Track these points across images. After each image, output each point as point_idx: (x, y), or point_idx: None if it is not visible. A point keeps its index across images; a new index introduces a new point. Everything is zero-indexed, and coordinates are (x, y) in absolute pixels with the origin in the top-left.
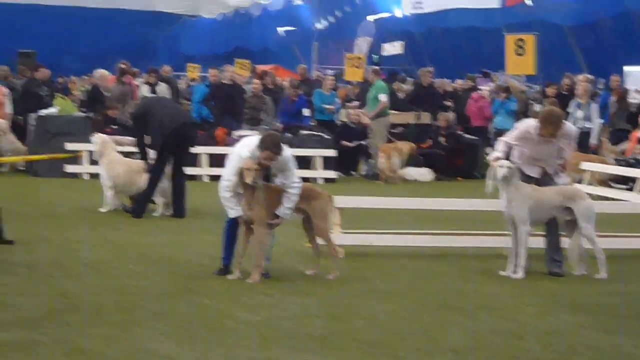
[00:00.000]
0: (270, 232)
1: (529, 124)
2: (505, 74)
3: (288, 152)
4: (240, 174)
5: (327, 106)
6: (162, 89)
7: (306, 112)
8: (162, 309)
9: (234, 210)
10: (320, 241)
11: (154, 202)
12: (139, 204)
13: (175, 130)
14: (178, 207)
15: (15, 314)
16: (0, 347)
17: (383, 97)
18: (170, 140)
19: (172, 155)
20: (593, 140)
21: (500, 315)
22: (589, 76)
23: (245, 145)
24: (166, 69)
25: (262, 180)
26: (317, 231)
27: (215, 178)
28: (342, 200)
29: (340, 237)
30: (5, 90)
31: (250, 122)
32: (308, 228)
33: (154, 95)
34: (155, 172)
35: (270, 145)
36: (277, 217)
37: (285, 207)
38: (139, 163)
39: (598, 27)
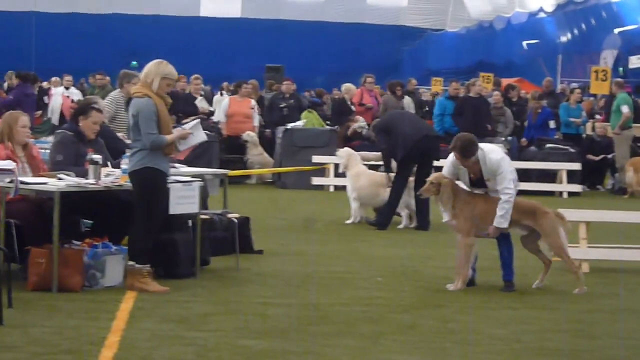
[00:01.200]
0: (474, 242)
1: None
2: None
3: (498, 155)
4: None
5: (574, 119)
6: (407, 102)
7: (552, 124)
8: (409, 321)
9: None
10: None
11: (398, 215)
12: (383, 216)
13: (417, 142)
14: (422, 220)
15: (268, 323)
16: (255, 356)
17: (625, 109)
18: (412, 153)
19: (415, 167)
20: None
21: None
22: None
23: None
24: (413, 82)
25: (447, 194)
26: (553, 249)
27: None
28: (588, 215)
29: (587, 252)
30: (253, 103)
31: (488, 134)
32: (527, 243)
33: (398, 109)
34: (398, 184)
35: (455, 148)
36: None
37: (499, 216)
38: (382, 175)
39: None
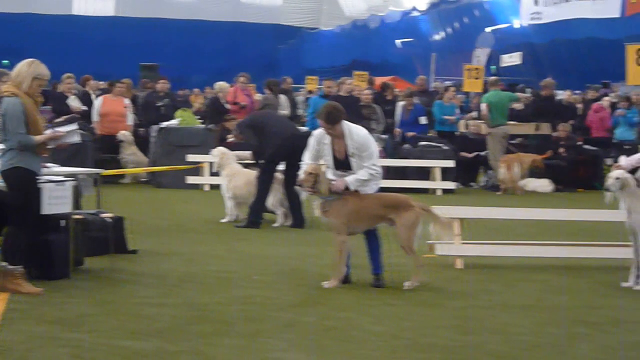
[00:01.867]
0: (347, 240)
1: None
2: (626, 85)
3: (364, 132)
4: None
5: (447, 117)
6: (282, 100)
7: (423, 120)
8: (289, 319)
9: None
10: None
11: (272, 212)
12: (253, 214)
13: (285, 141)
14: (297, 218)
15: (147, 324)
16: (133, 356)
17: (482, 107)
18: (280, 151)
19: (283, 165)
20: None
21: (631, 329)
22: None
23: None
24: (288, 81)
25: (324, 182)
26: (400, 241)
27: None
28: (462, 211)
29: (461, 248)
30: (127, 102)
31: None
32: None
33: (277, 107)
34: (263, 182)
35: (321, 114)
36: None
37: (355, 177)
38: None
39: None
